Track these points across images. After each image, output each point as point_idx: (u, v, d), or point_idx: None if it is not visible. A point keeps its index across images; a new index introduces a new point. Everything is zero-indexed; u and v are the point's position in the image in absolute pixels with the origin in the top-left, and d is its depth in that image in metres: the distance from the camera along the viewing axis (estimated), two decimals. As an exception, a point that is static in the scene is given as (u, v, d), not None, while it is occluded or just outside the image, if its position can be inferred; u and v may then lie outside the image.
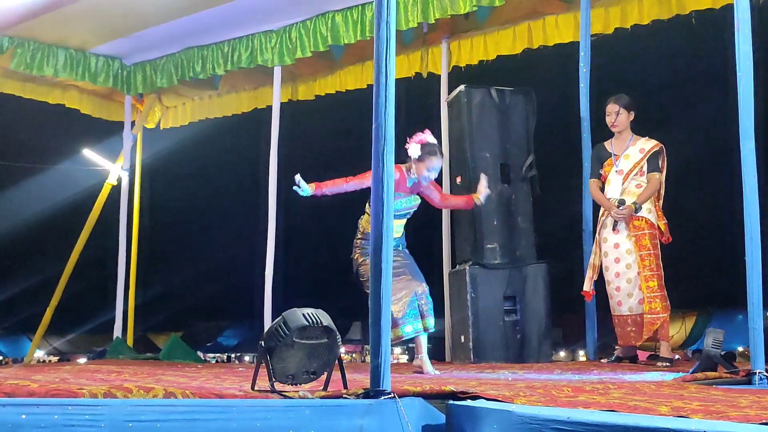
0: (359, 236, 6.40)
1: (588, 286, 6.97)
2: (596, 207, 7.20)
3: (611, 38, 8.56)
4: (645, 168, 6.72)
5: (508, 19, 8.87)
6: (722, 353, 5.13)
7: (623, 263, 6.67)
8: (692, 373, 4.96)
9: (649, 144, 6.78)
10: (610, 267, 6.76)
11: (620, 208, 6.64)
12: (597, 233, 6.91)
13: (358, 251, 6.36)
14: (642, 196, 6.63)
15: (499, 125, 7.99)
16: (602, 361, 6.91)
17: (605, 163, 6.92)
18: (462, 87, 8.07)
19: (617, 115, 6.83)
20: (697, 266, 6.35)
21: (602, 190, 6.93)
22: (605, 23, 8.40)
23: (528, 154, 8.00)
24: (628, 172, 6.75)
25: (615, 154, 6.85)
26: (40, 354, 26.81)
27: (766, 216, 4.78)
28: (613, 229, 6.69)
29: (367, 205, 6.35)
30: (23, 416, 2.43)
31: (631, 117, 6.87)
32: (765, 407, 3.15)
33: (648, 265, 6.54)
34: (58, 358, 28.29)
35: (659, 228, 6.67)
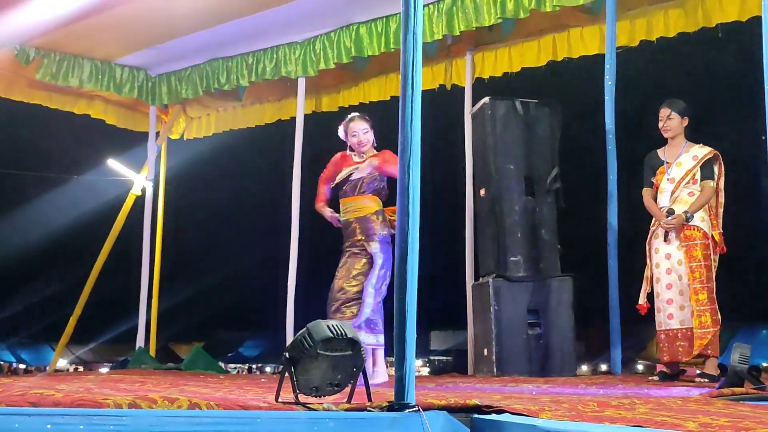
0: None
1: (642, 299, 6.73)
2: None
3: (637, 51, 8.52)
4: (698, 176, 6.50)
5: (533, 31, 8.86)
6: (748, 368, 5.08)
7: (675, 274, 6.46)
8: (719, 388, 4.91)
9: (702, 151, 6.54)
10: (662, 278, 6.54)
11: (669, 217, 6.45)
12: (648, 243, 6.69)
13: None
14: (694, 205, 6.41)
15: (524, 137, 7.96)
16: (651, 379, 6.67)
17: (657, 171, 6.70)
18: (486, 99, 8.05)
19: (668, 120, 6.60)
20: (722, 280, 6.29)
21: (655, 199, 6.71)
22: (631, 36, 8.36)
23: (552, 167, 7.95)
24: (680, 180, 6.52)
25: (667, 162, 6.62)
26: (62, 363, 26.94)
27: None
28: (665, 239, 6.49)
29: None
30: (48, 426, 2.42)
31: (685, 122, 6.62)
32: (794, 424, 3.11)
33: (698, 277, 6.31)
34: (81, 367, 28.43)
35: (713, 238, 6.43)
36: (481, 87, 9.30)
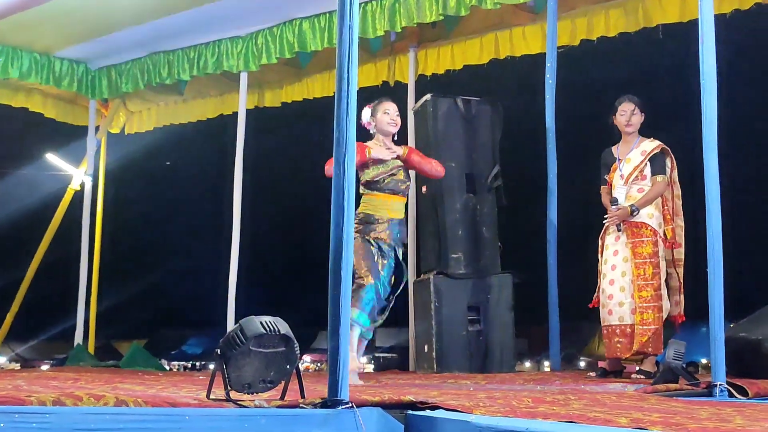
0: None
1: (596, 294, 6.69)
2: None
3: (579, 50, 8.57)
4: (647, 171, 6.46)
5: (476, 29, 8.89)
6: (684, 364, 5.13)
7: (619, 270, 6.44)
8: (653, 384, 4.96)
9: (651, 145, 6.50)
10: (607, 274, 6.52)
11: (613, 207, 6.42)
12: (600, 239, 6.65)
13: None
14: (641, 200, 6.37)
15: (465, 135, 7.98)
16: (589, 375, 6.67)
17: (611, 168, 6.67)
18: (428, 96, 8.06)
19: (633, 115, 6.55)
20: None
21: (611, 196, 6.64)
22: (572, 35, 8.42)
23: (493, 164, 7.98)
24: (628, 176, 6.50)
25: (619, 158, 6.61)
26: (2, 360, 26.52)
27: (727, 228, 4.79)
28: (617, 234, 6.47)
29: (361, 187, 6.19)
30: (-33, 424, 2.37)
31: (642, 118, 6.61)
32: (724, 419, 3.15)
33: (642, 274, 6.30)
34: (20, 365, 28.00)
35: (665, 234, 6.42)
36: (424, 84, 9.32)
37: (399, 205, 6.17)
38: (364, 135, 6.20)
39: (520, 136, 9.87)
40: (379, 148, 6.11)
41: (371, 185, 6.12)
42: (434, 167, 6.46)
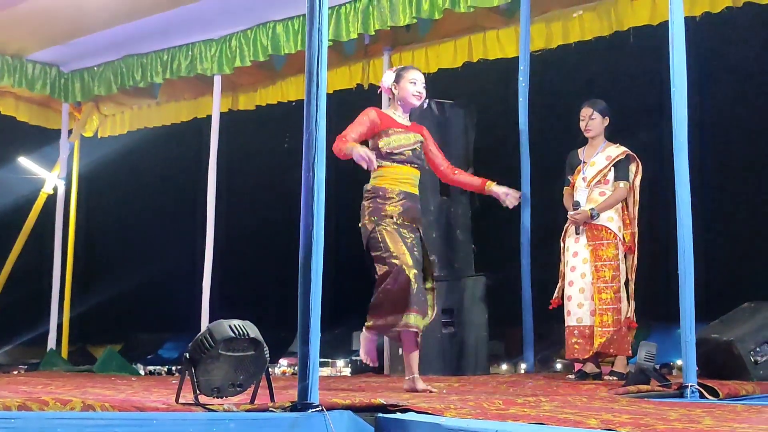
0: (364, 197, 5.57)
1: (556, 294, 6.69)
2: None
3: (554, 53, 8.59)
4: (610, 176, 6.50)
5: (449, 32, 8.90)
6: (656, 366, 5.16)
7: (579, 272, 6.47)
8: (625, 386, 4.99)
9: (616, 151, 6.54)
10: (567, 275, 6.55)
11: (572, 211, 6.46)
12: (562, 240, 6.68)
13: (366, 217, 5.50)
14: (602, 204, 6.40)
15: (439, 138, 7.93)
16: (568, 377, 6.69)
17: (576, 170, 6.70)
18: (402, 99, 8.04)
19: (590, 119, 6.60)
20: (636, 280, 6.44)
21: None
22: (547, 38, 8.44)
23: (467, 167, 7.98)
24: (591, 179, 6.53)
25: (584, 161, 6.64)
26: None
27: (698, 230, 4.83)
28: (576, 237, 6.50)
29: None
30: (-70, 430, 2.34)
31: (606, 122, 6.62)
32: (693, 420, 3.17)
33: (602, 276, 6.33)
34: (-1, 370, 27.77)
35: (624, 238, 6.43)
36: (398, 87, 9.30)
37: (415, 179, 5.63)
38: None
39: (493, 139, 9.90)
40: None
41: (389, 156, 5.52)
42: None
